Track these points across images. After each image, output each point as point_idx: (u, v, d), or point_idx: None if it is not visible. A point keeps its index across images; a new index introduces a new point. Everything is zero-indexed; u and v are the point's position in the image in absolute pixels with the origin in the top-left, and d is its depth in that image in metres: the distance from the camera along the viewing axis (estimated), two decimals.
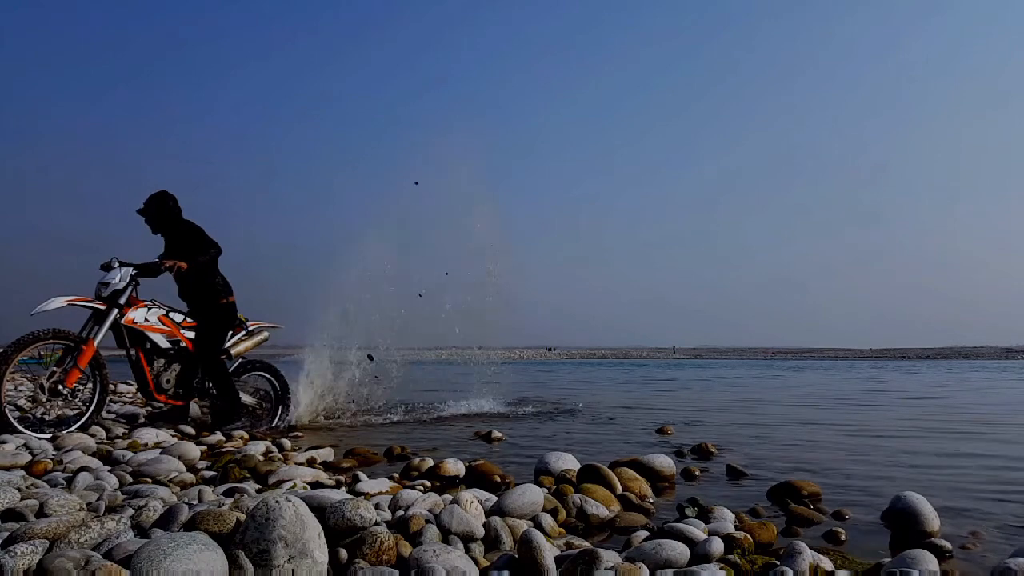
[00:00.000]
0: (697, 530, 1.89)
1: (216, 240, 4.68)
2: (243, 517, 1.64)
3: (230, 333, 4.85)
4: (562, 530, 2.13)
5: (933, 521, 2.15)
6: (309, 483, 2.70)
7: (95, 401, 4.05)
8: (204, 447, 3.75)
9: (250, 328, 5.04)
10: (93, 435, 3.83)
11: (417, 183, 7.42)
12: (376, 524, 1.73)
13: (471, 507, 1.92)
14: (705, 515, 2.22)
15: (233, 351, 4.87)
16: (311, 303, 6.65)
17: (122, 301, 4.26)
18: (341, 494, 1.98)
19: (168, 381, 4.52)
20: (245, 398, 4.94)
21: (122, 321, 4.28)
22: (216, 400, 4.70)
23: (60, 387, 3.94)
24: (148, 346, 4.45)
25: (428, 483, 2.88)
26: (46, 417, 4.07)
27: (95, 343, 4.08)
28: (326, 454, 3.56)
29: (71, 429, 3.84)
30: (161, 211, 4.60)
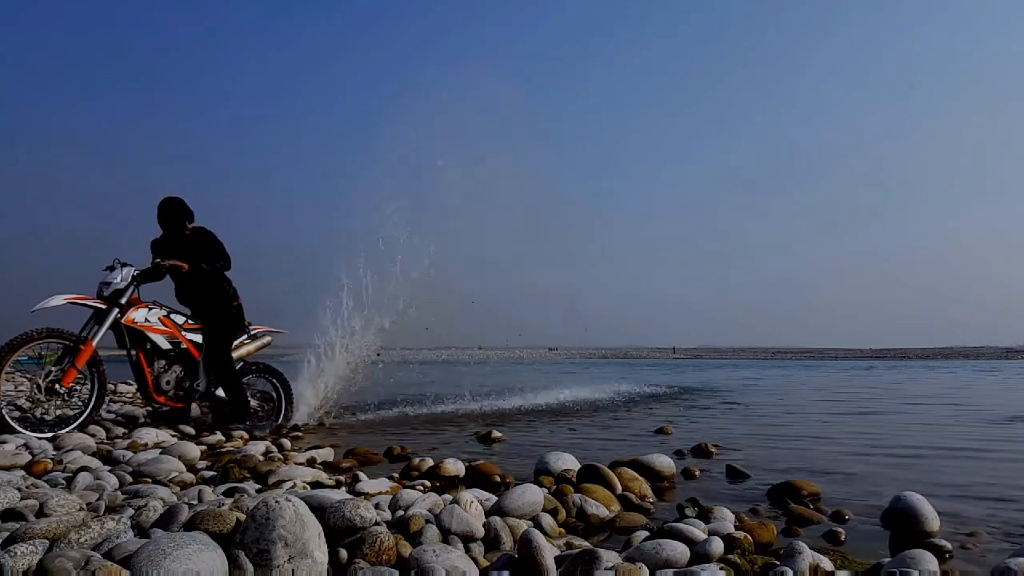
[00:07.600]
0: (697, 530, 1.88)
1: (227, 251, 4.69)
2: (243, 517, 1.64)
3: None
4: (562, 530, 2.13)
5: (933, 521, 2.15)
6: (309, 483, 2.70)
7: (93, 400, 4.05)
8: (204, 447, 3.75)
9: (253, 332, 5.04)
10: (93, 435, 3.83)
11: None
12: (376, 524, 1.73)
13: (471, 507, 1.92)
14: (705, 515, 2.22)
15: (235, 354, 4.87)
16: (312, 304, 6.65)
17: (123, 300, 4.26)
18: (341, 494, 1.98)
19: (168, 383, 4.52)
20: (250, 401, 4.95)
21: (122, 321, 4.28)
22: (223, 404, 4.69)
23: (56, 386, 3.94)
24: (148, 347, 4.45)
25: (428, 483, 2.87)
26: (46, 417, 4.07)
27: (94, 343, 4.08)
28: (326, 454, 3.56)
29: (69, 428, 3.84)
30: (174, 215, 4.57)
